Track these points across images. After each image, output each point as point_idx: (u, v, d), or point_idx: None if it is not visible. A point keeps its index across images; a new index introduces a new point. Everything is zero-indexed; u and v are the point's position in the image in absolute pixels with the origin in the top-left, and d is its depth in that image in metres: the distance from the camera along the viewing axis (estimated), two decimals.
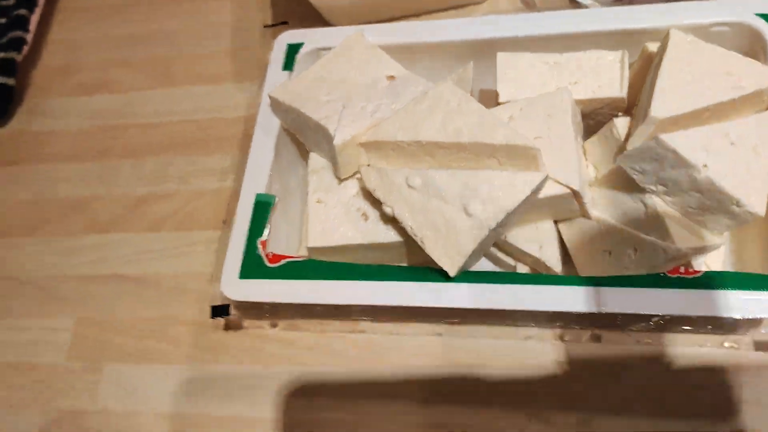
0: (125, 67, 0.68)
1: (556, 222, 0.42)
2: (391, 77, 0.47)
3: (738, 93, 0.38)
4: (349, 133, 0.42)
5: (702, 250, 0.37)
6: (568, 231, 0.42)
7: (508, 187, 0.37)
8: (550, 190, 0.39)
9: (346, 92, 0.45)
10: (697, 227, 0.37)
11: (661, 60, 0.39)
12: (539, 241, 0.41)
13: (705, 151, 0.35)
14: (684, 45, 0.40)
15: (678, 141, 0.34)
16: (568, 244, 0.42)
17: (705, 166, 0.34)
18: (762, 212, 0.34)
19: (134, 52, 0.69)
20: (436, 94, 0.42)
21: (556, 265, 0.40)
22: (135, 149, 0.62)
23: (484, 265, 0.45)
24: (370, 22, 0.62)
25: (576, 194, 0.39)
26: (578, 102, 0.43)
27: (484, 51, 0.48)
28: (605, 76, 0.43)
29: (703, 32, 0.44)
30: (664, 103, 0.37)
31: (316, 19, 0.59)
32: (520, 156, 0.38)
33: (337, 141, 0.42)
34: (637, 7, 0.46)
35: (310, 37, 0.52)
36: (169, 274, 0.55)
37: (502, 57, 0.45)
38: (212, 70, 0.65)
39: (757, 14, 0.43)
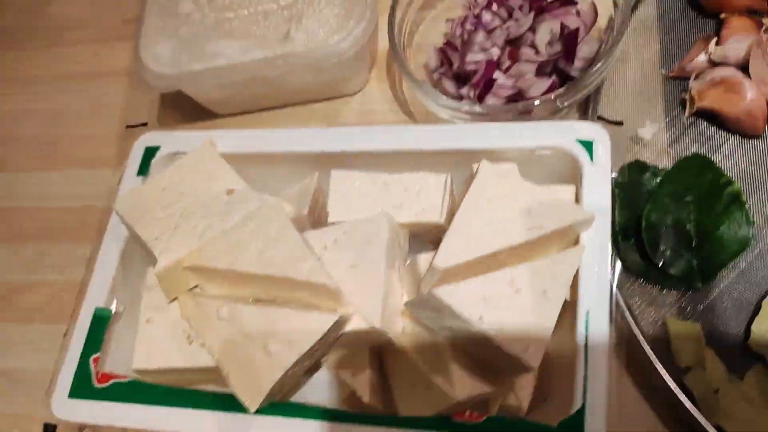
0: (15, 145, 0.69)
1: (378, 347, 0.43)
2: (231, 191, 0.47)
3: (536, 234, 0.38)
4: (173, 258, 0.43)
5: (486, 395, 0.37)
6: (386, 359, 0.42)
7: (304, 328, 0.38)
8: (354, 324, 0.39)
9: (184, 208, 0.46)
10: (485, 371, 0.38)
11: (465, 194, 0.40)
12: (352, 368, 0.42)
13: (484, 302, 0.35)
14: (490, 179, 0.40)
15: (453, 294, 0.35)
16: (387, 372, 0.42)
17: (481, 318, 0.35)
18: (535, 365, 0.35)
19: (26, 129, 0.70)
20: (262, 216, 0.43)
21: (364, 394, 0.41)
22: (15, 234, 0.63)
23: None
24: (249, 112, 0.64)
25: (377, 331, 0.39)
26: (402, 225, 0.44)
27: (330, 163, 0.48)
28: (428, 200, 0.44)
29: (530, 154, 0.45)
30: (451, 250, 0.37)
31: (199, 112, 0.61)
32: (323, 293, 0.39)
33: (158, 268, 0.42)
34: (478, 125, 0.46)
35: (166, 140, 0.52)
36: (35, 369, 0.55)
37: (335, 175, 0.46)
38: (94, 153, 0.65)
39: (578, 140, 0.44)
